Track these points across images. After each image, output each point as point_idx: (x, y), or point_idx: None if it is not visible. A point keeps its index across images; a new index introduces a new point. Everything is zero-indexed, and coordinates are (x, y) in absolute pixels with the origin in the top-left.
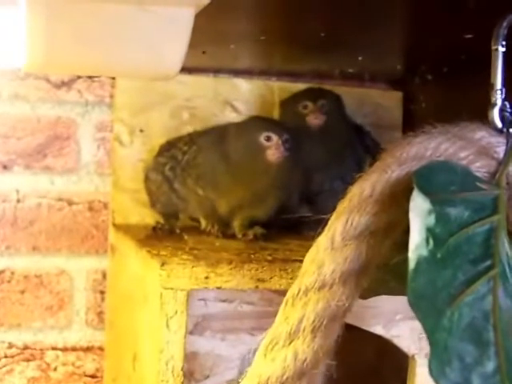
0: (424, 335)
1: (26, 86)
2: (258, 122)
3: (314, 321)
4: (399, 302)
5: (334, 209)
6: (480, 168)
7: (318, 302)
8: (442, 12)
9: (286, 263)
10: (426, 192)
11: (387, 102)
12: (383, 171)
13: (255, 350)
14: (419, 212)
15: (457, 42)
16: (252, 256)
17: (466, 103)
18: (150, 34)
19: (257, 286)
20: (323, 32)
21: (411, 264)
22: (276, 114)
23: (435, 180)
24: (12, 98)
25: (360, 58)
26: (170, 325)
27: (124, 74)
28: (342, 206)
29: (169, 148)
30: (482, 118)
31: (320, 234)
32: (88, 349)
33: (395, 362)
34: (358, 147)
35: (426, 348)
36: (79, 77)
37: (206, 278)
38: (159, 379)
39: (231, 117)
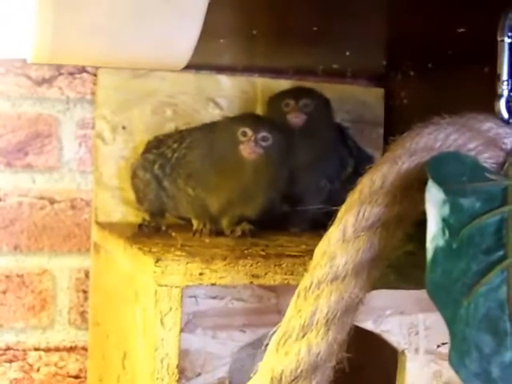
0: (413, 330)
1: (6, 82)
2: (242, 117)
3: (327, 313)
4: (389, 298)
5: (321, 207)
6: (488, 159)
7: (331, 294)
8: (430, 5)
9: (281, 258)
10: (439, 182)
11: (369, 98)
12: (394, 162)
13: (245, 348)
14: (435, 202)
15: (445, 37)
16: (245, 252)
17: (449, 99)
18: (161, 22)
19: (251, 282)
20: (306, 27)
21: (429, 254)
22: (259, 111)
23: (446, 171)
24: None
25: (344, 54)
26: (165, 322)
27: (133, 64)
28: (353, 197)
29: (157, 145)
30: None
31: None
32: (71, 349)
33: (381, 357)
34: (341, 149)
35: (416, 343)
36: (60, 73)
37: (201, 274)
38: (154, 377)
39: (214, 113)
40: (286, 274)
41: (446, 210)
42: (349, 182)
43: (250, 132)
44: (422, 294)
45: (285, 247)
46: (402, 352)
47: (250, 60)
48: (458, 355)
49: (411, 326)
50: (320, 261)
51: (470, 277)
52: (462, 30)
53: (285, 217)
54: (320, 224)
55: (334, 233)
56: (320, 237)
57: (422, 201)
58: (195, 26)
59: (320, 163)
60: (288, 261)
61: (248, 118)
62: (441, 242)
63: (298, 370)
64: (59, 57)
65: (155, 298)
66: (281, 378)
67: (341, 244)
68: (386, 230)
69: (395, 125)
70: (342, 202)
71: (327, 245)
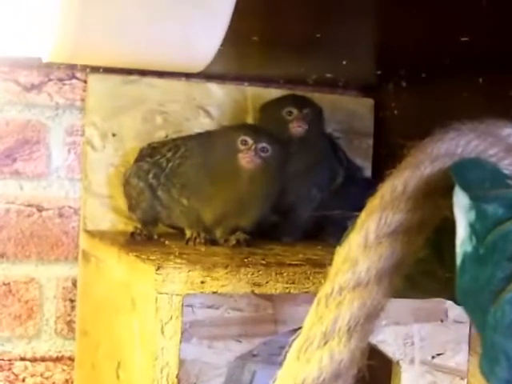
0: (408, 341)
1: None
2: (242, 127)
3: (349, 320)
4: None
5: (312, 217)
6: (509, 165)
7: (353, 301)
8: (427, 13)
9: (282, 267)
10: (464, 188)
11: (359, 108)
12: (416, 168)
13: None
14: (462, 207)
15: (443, 45)
16: (245, 260)
17: (442, 109)
18: (186, 22)
19: (253, 291)
20: (298, 36)
21: (458, 260)
22: (250, 120)
23: (470, 176)
24: None
25: (336, 63)
26: (166, 331)
27: (154, 64)
28: (374, 203)
29: (151, 153)
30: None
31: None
32: (57, 359)
33: (373, 367)
34: (332, 159)
35: (411, 354)
36: (50, 79)
37: (202, 282)
38: None
39: (205, 122)
40: (287, 282)
41: (472, 215)
42: (338, 192)
43: (250, 141)
44: (417, 305)
45: (283, 256)
46: (397, 363)
47: (241, 68)
48: (488, 363)
49: (406, 336)
50: (341, 267)
51: (496, 283)
52: (462, 38)
53: (276, 226)
54: (311, 233)
55: (355, 239)
56: (314, 246)
57: (443, 207)
58: (221, 27)
59: (311, 172)
60: (289, 270)
61: (248, 128)
62: (469, 248)
63: (321, 378)
64: (80, 56)
65: (155, 306)
66: None
67: (363, 250)
68: (407, 236)
69: (385, 136)
70: (330, 212)
71: (348, 251)
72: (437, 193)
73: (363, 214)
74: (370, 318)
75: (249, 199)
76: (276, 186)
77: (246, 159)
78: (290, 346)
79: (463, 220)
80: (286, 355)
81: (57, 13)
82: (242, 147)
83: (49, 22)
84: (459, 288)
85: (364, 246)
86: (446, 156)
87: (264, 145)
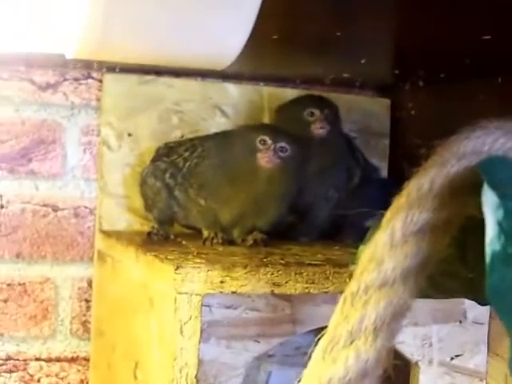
0: (427, 342)
1: (10, 87)
2: (260, 127)
3: (375, 320)
4: None
5: (330, 217)
6: None
7: (380, 300)
8: (447, 12)
9: (301, 267)
10: (492, 186)
11: (375, 108)
12: (442, 166)
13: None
14: (491, 206)
15: (465, 45)
16: (264, 260)
17: (459, 110)
18: (213, 17)
19: (272, 291)
20: (315, 35)
21: (487, 259)
22: (265, 120)
23: (498, 175)
24: None
25: (353, 62)
26: (185, 331)
27: (180, 61)
28: (400, 201)
29: (168, 153)
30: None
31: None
32: (72, 359)
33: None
34: (349, 159)
35: (429, 355)
36: (65, 79)
37: (222, 282)
38: None
39: (221, 122)
40: (306, 282)
41: (501, 214)
42: (355, 193)
43: (269, 141)
44: (436, 305)
45: (302, 256)
46: (416, 363)
47: (257, 68)
48: None
49: (425, 337)
50: (367, 266)
51: None
52: (482, 37)
53: (293, 226)
54: (328, 234)
55: (381, 237)
56: (331, 246)
57: (469, 205)
58: (247, 23)
59: (329, 173)
60: (309, 270)
61: (267, 128)
62: (497, 247)
63: (347, 378)
64: (105, 52)
65: (175, 306)
66: None
67: (389, 249)
68: (433, 235)
69: (401, 136)
70: (347, 212)
71: (374, 250)
72: (463, 191)
73: (389, 213)
74: (396, 317)
75: (267, 199)
76: (294, 186)
77: (265, 159)
78: (314, 346)
79: (492, 218)
80: (301, 356)
81: (82, 9)
82: (260, 147)
83: (74, 18)
84: (489, 288)
85: (390, 245)
86: (472, 154)
87: (283, 144)
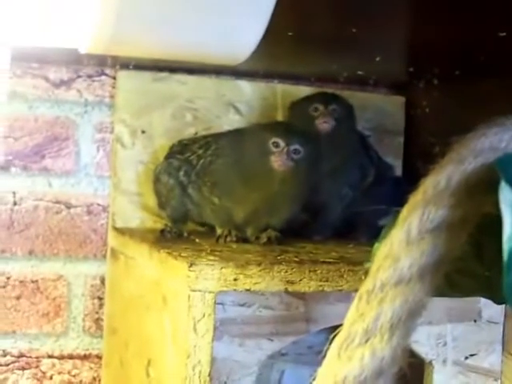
0: (441, 341)
1: (23, 84)
2: (274, 127)
3: (391, 318)
4: None
5: (344, 215)
6: None
7: (395, 298)
8: (464, 7)
9: (315, 265)
10: (510, 183)
11: (389, 106)
12: (459, 163)
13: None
14: (508, 203)
15: (482, 41)
16: (278, 258)
17: (474, 107)
18: (228, 11)
19: (286, 289)
20: (329, 32)
21: (504, 257)
22: (279, 117)
23: None
24: (9, 96)
25: (367, 60)
26: (198, 328)
27: (194, 56)
28: (416, 198)
29: (182, 150)
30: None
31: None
32: (85, 357)
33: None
34: (363, 157)
35: (443, 354)
36: (79, 76)
37: (235, 279)
38: None
39: (234, 119)
40: (320, 280)
41: None
42: (369, 191)
43: (282, 143)
44: (451, 304)
45: (316, 254)
46: (430, 363)
47: (271, 66)
48: None
49: (439, 336)
50: (383, 263)
51: None
52: (499, 34)
53: (307, 225)
54: (342, 232)
55: (397, 235)
56: (345, 244)
57: (486, 202)
58: (263, 18)
59: (342, 171)
60: (323, 267)
61: (280, 128)
62: None
63: (362, 376)
64: (119, 46)
65: (188, 303)
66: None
67: (405, 246)
68: (449, 233)
69: (416, 134)
70: (361, 210)
71: (390, 247)
72: (480, 188)
73: (405, 210)
74: (411, 315)
75: (280, 199)
76: (307, 185)
77: (278, 163)
78: (329, 344)
79: (509, 216)
80: (314, 355)
81: (96, 3)
82: (273, 149)
83: (87, 12)
84: (506, 285)
85: (406, 242)
86: (489, 151)
87: (296, 147)
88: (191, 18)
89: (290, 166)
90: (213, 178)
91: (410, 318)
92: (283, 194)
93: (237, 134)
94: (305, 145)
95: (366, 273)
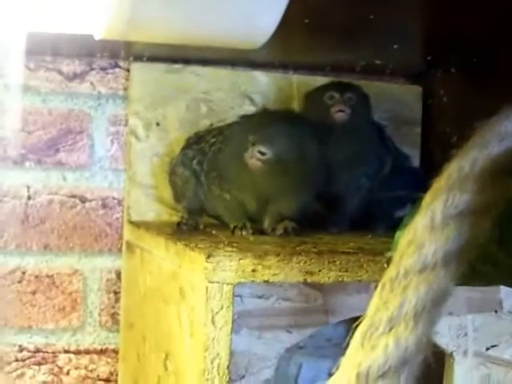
0: (462, 332)
1: (37, 77)
2: (252, 123)
3: (416, 305)
4: None
5: (361, 206)
6: None
7: (420, 285)
8: None
9: (334, 255)
10: None
11: (406, 96)
12: (483, 147)
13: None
14: None
15: (496, 30)
16: (297, 248)
17: (493, 97)
18: None
19: (305, 280)
20: (345, 20)
21: None
22: (295, 107)
23: None
24: (22, 89)
25: (384, 48)
26: (216, 321)
27: (211, 40)
28: (439, 184)
29: (197, 141)
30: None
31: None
32: (102, 351)
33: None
34: (380, 147)
35: (464, 345)
36: (92, 68)
37: (254, 270)
38: (203, 378)
39: (249, 110)
40: (340, 270)
41: None
42: (385, 182)
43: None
44: (471, 294)
45: (334, 244)
46: (450, 354)
47: (287, 56)
48: None
49: (460, 327)
50: (407, 250)
51: None
52: None
53: (323, 216)
54: (359, 223)
55: (421, 221)
56: (363, 235)
57: (511, 187)
58: (281, 1)
59: (359, 161)
60: (342, 258)
61: (258, 128)
62: None
63: (386, 365)
64: (135, 32)
65: (206, 295)
66: (368, 373)
67: (429, 232)
68: (474, 218)
69: (433, 124)
70: (378, 200)
71: (414, 233)
72: (504, 173)
73: (428, 196)
74: (436, 302)
75: (292, 185)
76: (316, 174)
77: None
78: (352, 333)
79: None
80: (332, 348)
81: None
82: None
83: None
84: None
85: (430, 228)
86: None
87: (261, 149)
88: (208, 1)
89: (259, 165)
90: (219, 170)
91: (434, 305)
92: (278, 186)
93: (244, 120)
94: (273, 147)
95: (388, 262)
